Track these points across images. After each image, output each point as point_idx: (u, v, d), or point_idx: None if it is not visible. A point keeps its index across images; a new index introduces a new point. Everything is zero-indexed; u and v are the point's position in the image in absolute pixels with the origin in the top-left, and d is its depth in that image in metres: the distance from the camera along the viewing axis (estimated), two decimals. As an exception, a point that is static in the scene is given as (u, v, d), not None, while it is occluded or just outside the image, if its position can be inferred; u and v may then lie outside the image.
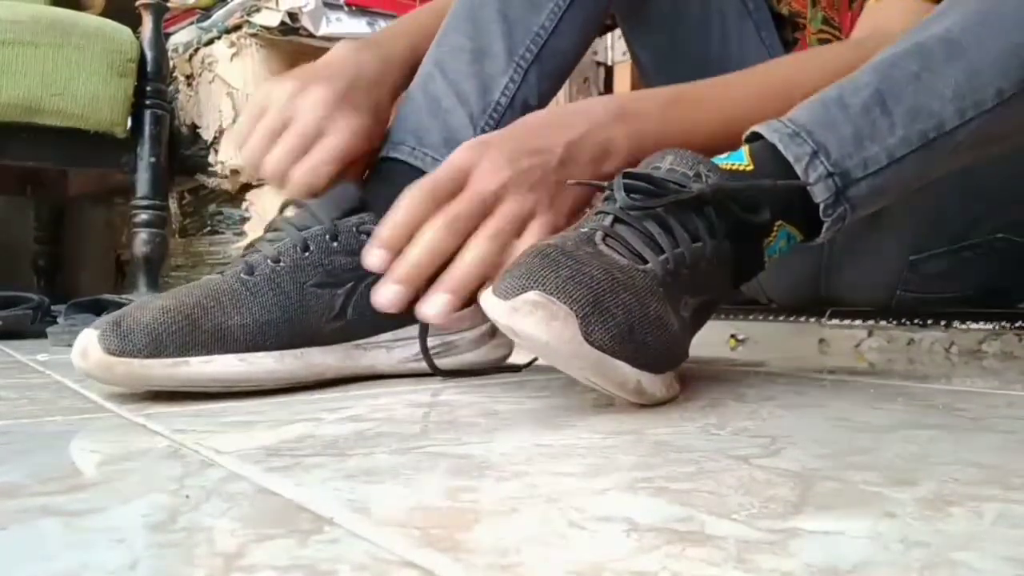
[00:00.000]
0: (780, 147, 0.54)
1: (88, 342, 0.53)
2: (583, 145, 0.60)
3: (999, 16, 0.55)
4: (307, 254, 0.60)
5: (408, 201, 0.57)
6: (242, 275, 0.58)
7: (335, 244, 0.61)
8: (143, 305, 0.55)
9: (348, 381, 0.63)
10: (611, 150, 0.60)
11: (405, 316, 0.63)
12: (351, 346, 0.63)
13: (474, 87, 0.67)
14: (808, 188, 0.54)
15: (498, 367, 0.69)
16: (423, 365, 0.65)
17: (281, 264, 0.59)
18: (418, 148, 0.67)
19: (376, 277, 0.61)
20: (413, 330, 0.64)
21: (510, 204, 0.58)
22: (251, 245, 0.62)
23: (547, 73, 0.70)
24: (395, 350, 0.65)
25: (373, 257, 0.57)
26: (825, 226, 0.55)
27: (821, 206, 0.54)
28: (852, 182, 0.54)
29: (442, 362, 0.66)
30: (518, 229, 0.58)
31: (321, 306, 0.60)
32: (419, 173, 0.65)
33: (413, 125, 0.67)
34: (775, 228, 0.55)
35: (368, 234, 0.60)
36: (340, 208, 0.62)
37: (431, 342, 0.65)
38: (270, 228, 0.63)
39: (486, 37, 0.68)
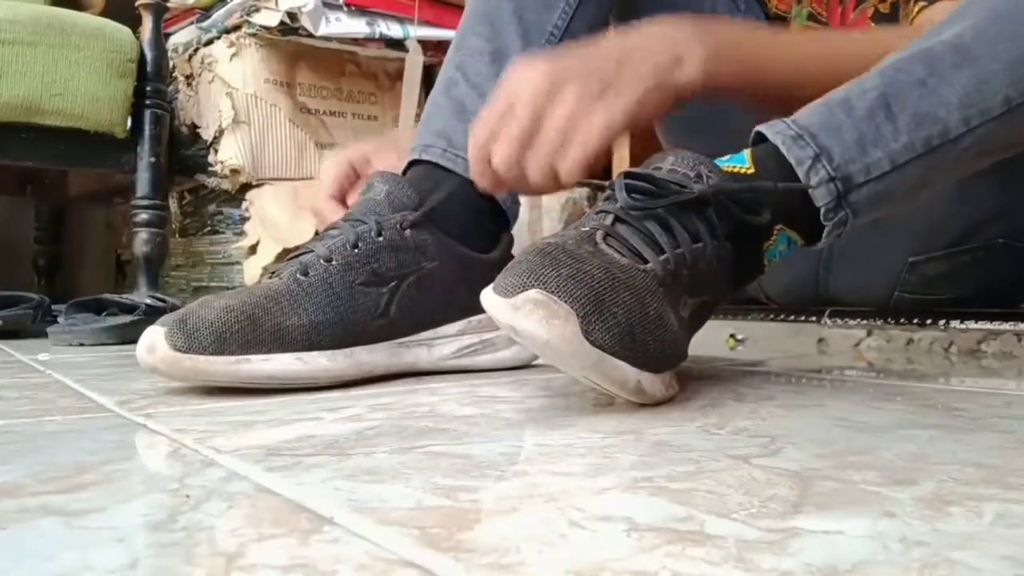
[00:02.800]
0: (783, 149, 0.54)
1: (155, 338, 0.55)
2: (647, 50, 0.60)
3: (1012, 23, 0.55)
4: (356, 251, 0.62)
5: (477, 127, 0.60)
6: (298, 275, 0.61)
7: (380, 239, 0.63)
8: (206, 304, 0.57)
9: (350, 382, 0.63)
10: (683, 57, 0.59)
11: (443, 316, 0.66)
12: (395, 344, 0.65)
13: (496, 89, 0.68)
14: (809, 191, 0.54)
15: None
16: (462, 362, 0.68)
17: (333, 263, 0.61)
18: (449, 150, 0.68)
19: (416, 277, 0.63)
20: (452, 328, 0.67)
21: (568, 91, 0.57)
22: (294, 249, 0.65)
23: None
24: (435, 347, 0.67)
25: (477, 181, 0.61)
26: (826, 231, 0.55)
27: (822, 210, 0.54)
28: (854, 187, 0.54)
29: (479, 359, 0.69)
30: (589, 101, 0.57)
31: (368, 304, 0.62)
32: (452, 175, 0.68)
33: (441, 128, 0.69)
34: (775, 232, 0.55)
35: (412, 227, 0.64)
36: (392, 208, 0.64)
37: (469, 340, 0.68)
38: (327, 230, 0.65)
39: (503, 39, 0.70)
